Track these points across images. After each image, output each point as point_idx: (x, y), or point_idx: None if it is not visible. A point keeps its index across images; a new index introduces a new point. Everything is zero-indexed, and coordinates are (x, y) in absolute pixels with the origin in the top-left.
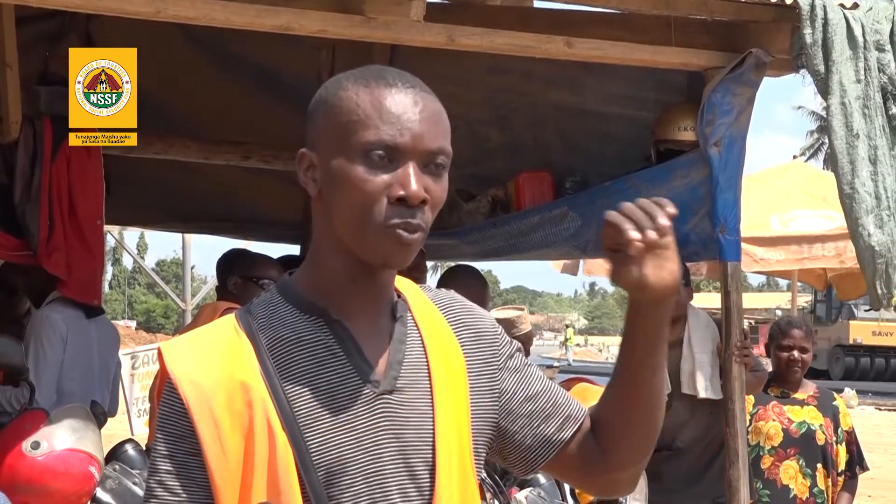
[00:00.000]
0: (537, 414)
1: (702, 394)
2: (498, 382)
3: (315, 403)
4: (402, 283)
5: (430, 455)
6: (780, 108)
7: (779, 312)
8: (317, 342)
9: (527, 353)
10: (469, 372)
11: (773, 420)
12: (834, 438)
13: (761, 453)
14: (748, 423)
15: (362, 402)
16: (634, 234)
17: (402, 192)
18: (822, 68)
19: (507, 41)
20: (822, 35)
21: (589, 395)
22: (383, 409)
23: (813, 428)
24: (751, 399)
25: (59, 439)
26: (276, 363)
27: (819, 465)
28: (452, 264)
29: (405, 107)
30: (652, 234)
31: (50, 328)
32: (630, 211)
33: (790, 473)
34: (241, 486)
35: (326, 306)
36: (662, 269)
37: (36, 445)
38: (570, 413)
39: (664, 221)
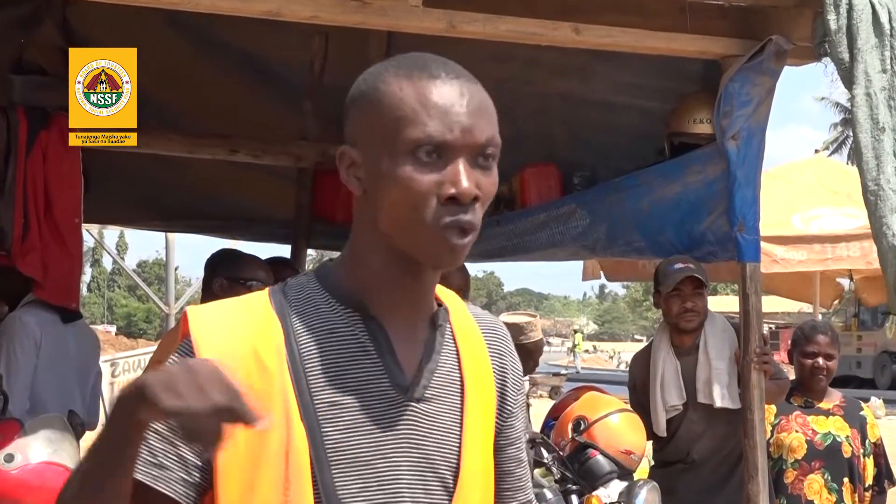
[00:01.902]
0: (511, 479)
1: (718, 403)
2: (505, 425)
3: (338, 399)
4: (445, 294)
5: (449, 475)
6: (804, 99)
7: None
8: (350, 336)
9: (535, 364)
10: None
11: (797, 431)
12: (861, 451)
13: (784, 467)
14: (770, 434)
15: (387, 406)
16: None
17: (453, 191)
18: (846, 57)
19: (511, 28)
20: (846, 21)
21: (599, 405)
22: (408, 417)
23: (839, 440)
24: (772, 409)
25: (34, 452)
26: (303, 351)
27: (845, 480)
28: None
29: (452, 100)
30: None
31: (23, 333)
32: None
33: (815, 488)
34: (251, 473)
35: (366, 301)
36: None
37: (10, 458)
38: (531, 500)
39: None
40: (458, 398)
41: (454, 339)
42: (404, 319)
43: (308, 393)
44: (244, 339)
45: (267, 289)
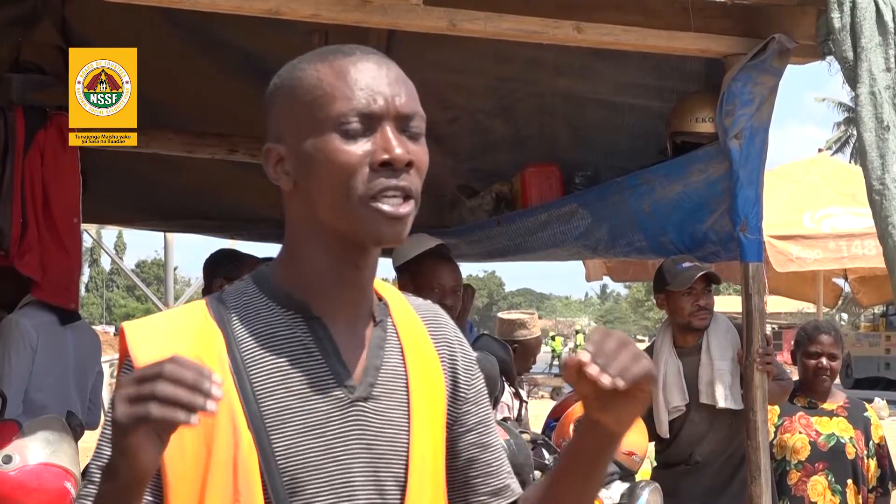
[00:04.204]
0: (479, 465)
1: (721, 404)
2: (460, 412)
3: (285, 404)
4: (384, 288)
5: (402, 471)
6: (807, 98)
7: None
8: (292, 339)
9: (534, 361)
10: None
11: (800, 433)
12: (865, 452)
13: (788, 468)
14: (773, 435)
15: (335, 408)
16: (604, 380)
17: (385, 156)
18: (850, 55)
19: (512, 26)
20: (850, 20)
21: None
22: (356, 417)
23: (843, 441)
24: (776, 410)
25: (32, 453)
26: (246, 358)
27: (849, 481)
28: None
29: (371, 72)
30: (619, 383)
31: (18, 335)
32: (598, 349)
33: (818, 490)
34: (199, 487)
35: (307, 301)
36: (625, 413)
37: (8, 459)
38: (509, 484)
39: (641, 369)
40: (405, 393)
41: (396, 333)
42: (346, 317)
43: (254, 400)
44: (185, 349)
45: (204, 298)
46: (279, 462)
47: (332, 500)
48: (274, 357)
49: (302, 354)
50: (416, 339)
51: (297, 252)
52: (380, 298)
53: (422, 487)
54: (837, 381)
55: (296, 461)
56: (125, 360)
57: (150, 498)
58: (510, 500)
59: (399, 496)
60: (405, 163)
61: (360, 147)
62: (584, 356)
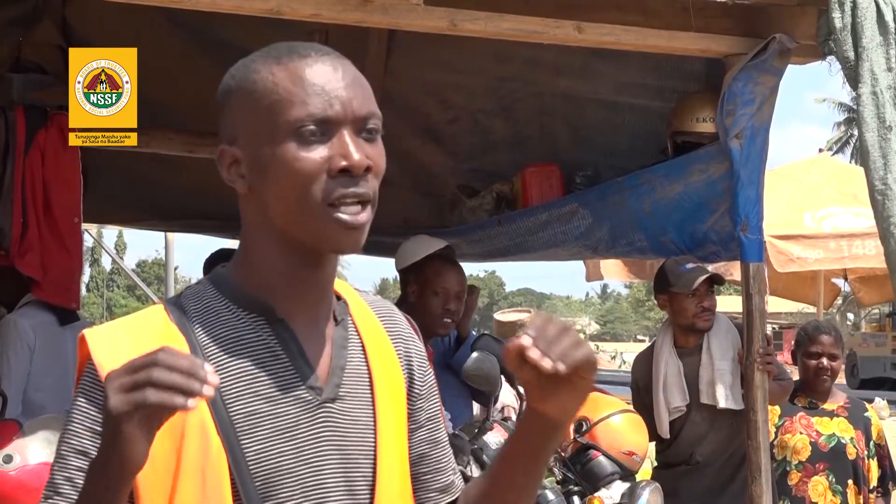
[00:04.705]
0: (428, 461)
1: (722, 404)
2: (414, 408)
3: (254, 408)
4: (341, 286)
5: (370, 470)
6: (808, 98)
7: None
8: (258, 342)
9: None
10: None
11: (801, 433)
12: (866, 452)
13: (788, 469)
14: (774, 435)
15: (304, 410)
16: (545, 364)
17: (344, 163)
18: (851, 55)
19: (512, 26)
20: (850, 20)
21: (600, 405)
22: (325, 419)
23: (843, 441)
24: (776, 410)
25: (33, 452)
26: (211, 362)
27: (850, 482)
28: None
29: (326, 76)
30: (560, 367)
31: (16, 336)
32: (540, 333)
33: (819, 490)
34: (168, 493)
35: (269, 303)
36: (568, 402)
37: (8, 459)
38: (453, 480)
39: (582, 355)
40: (369, 392)
41: (357, 332)
42: (309, 318)
43: (223, 405)
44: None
45: (161, 302)
46: (251, 466)
47: (304, 502)
48: (240, 361)
49: (268, 357)
50: (375, 336)
51: (254, 255)
52: (338, 297)
53: (391, 486)
54: (843, 381)
55: (268, 465)
56: (87, 367)
57: None
58: (454, 497)
59: (369, 496)
60: (364, 168)
61: (318, 153)
62: (526, 340)
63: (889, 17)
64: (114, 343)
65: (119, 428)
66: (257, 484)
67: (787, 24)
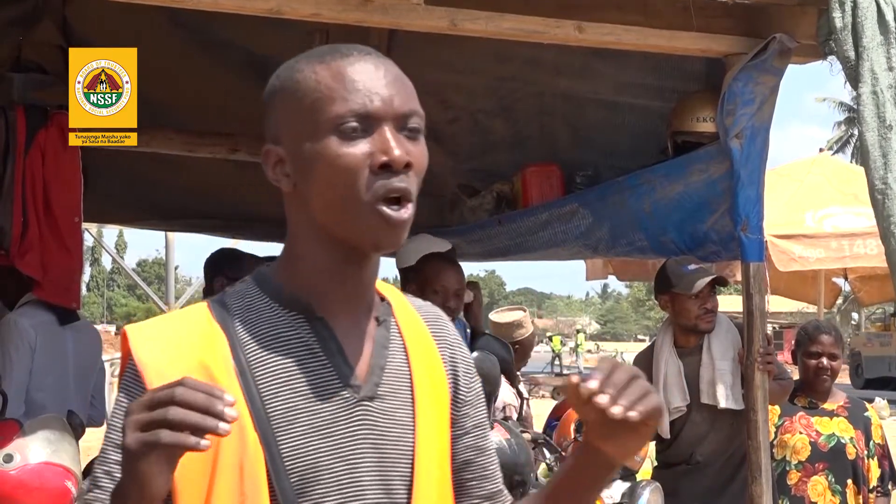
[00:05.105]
0: (473, 468)
1: (722, 404)
2: (459, 414)
3: (291, 404)
4: (386, 288)
5: (408, 471)
6: (808, 98)
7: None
8: (296, 339)
9: (527, 357)
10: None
11: (801, 433)
12: (865, 452)
13: (788, 468)
14: (773, 435)
15: (341, 407)
16: (615, 410)
17: (384, 158)
18: (852, 55)
19: (513, 26)
20: (851, 19)
21: None
22: (363, 417)
23: (843, 441)
24: (776, 410)
25: (33, 452)
26: (251, 359)
27: (849, 481)
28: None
29: (368, 73)
30: (632, 415)
31: (16, 335)
32: (609, 379)
33: (819, 490)
34: (206, 489)
35: (309, 302)
36: (629, 445)
37: (9, 458)
38: (501, 489)
39: (652, 404)
40: (409, 392)
41: (400, 333)
42: (349, 317)
43: (259, 401)
44: (189, 353)
45: (205, 300)
46: (286, 463)
47: (340, 501)
48: (278, 358)
49: (306, 355)
50: (419, 339)
51: (297, 253)
52: (382, 298)
53: (429, 487)
54: (847, 381)
55: (304, 461)
56: (128, 364)
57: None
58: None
59: (406, 495)
60: (404, 164)
61: (359, 149)
62: (593, 384)
63: (889, 16)
64: (154, 340)
65: (136, 465)
66: (293, 480)
67: (788, 23)
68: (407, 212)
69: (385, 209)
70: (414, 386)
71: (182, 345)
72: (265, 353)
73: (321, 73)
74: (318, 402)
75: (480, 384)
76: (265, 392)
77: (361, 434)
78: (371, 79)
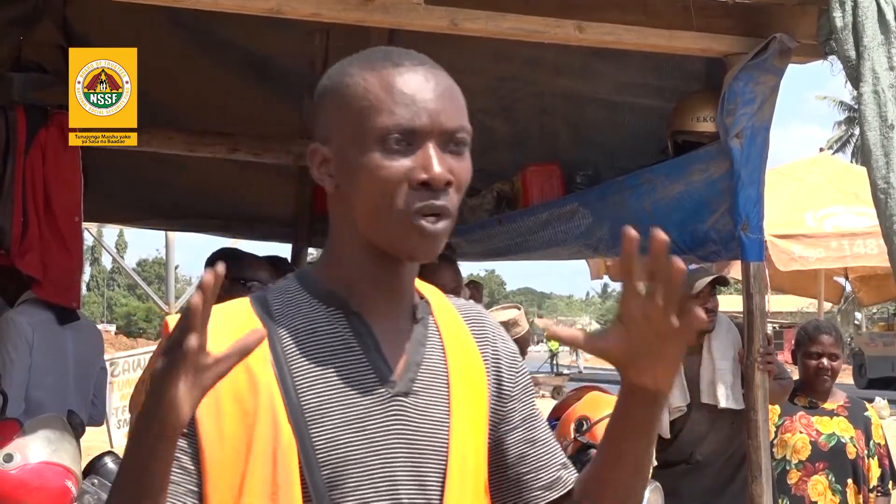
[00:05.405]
0: (528, 461)
1: (722, 403)
2: (506, 410)
3: (325, 397)
4: (425, 287)
5: (442, 467)
6: (809, 97)
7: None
8: (333, 334)
9: (524, 355)
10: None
11: (801, 432)
12: (865, 452)
13: (788, 468)
14: (774, 435)
15: (375, 402)
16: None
17: (424, 176)
18: (852, 54)
19: (513, 25)
20: (851, 19)
21: (601, 404)
22: (397, 412)
23: (843, 441)
24: (776, 409)
25: (33, 452)
26: (287, 351)
27: (849, 481)
28: None
29: (417, 86)
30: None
31: (15, 333)
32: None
33: (819, 489)
34: (239, 477)
35: (347, 298)
36: (661, 366)
37: (9, 458)
38: (560, 475)
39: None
40: (446, 390)
41: (438, 331)
42: (387, 314)
43: (294, 394)
44: (227, 344)
45: (249, 296)
46: (319, 455)
47: (372, 494)
48: (315, 351)
49: (342, 349)
50: (458, 337)
51: (337, 251)
52: (421, 297)
53: (462, 484)
54: (850, 381)
55: (337, 454)
56: None
57: (199, 489)
58: (565, 490)
59: (439, 491)
60: (444, 182)
61: (401, 164)
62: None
63: (890, 15)
64: None
65: (163, 387)
66: (325, 473)
67: (788, 23)
68: (443, 224)
69: (421, 222)
70: (450, 383)
71: (220, 336)
72: (302, 346)
73: (370, 81)
74: (353, 396)
75: (528, 378)
76: (300, 384)
77: (395, 429)
78: (419, 91)
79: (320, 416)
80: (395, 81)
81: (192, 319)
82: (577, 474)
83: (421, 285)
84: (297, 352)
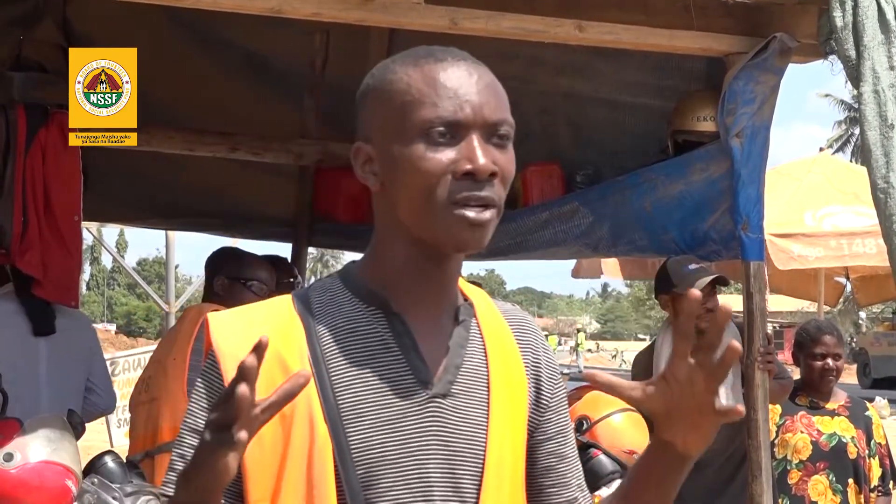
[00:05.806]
0: (553, 475)
1: (723, 403)
2: (542, 419)
3: (362, 397)
4: (470, 289)
5: (479, 470)
6: (809, 97)
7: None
8: (372, 334)
9: None
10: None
11: (802, 432)
12: (866, 452)
13: (788, 467)
14: (775, 434)
15: (412, 403)
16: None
17: (468, 167)
18: (852, 54)
19: (513, 25)
20: (852, 18)
21: (601, 404)
22: (433, 413)
23: (844, 440)
24: (777, 409)
25: (33, 451)
26: (325, 350)
27: (850, 481)
28: None
29: (460, 79)
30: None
31: None
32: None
33: (819, 489)
34: (275, 476)
35: (388, 298)
36: (697, 435)
37: (9, 457)
38: (577, 497)
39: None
40: (485, 393)
41: (480, 334)
42: (428, 314)
43: (331, 393)
44: (268, 335)
45: (291, 293)
46: (354, 455)
47: (406, 495)
48: (353, 351)
49: (381, 349)
50: (500, 341)
51: (380, 250)
52: (465, 299)
53: (499, 488)
54: (855, 381)
55: (371, 454)
56: (209, 353)
57: (232, 488)
58: None
59: (475, 495)
60: (488, 173)
61: (445, 155)
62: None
63: (890, 15)
64: (233, 329)
65: (213, 456)
66: (359, 472)
67: (788, 23)
68: (489, 213)
69: (466, 211)
70: (490, 386)
71: (259, 334)
72: (341, 345)
73: (413, 76)
74: (390, 397)
75: (565, 391)
76: (337, 384)
77: (431, 431)
78: (462, 85)
79: (356, 416)
80: (438, 76)
81: (247, 378)
82: (590, 500)
83: (466, 287)
84: (336, 351)
